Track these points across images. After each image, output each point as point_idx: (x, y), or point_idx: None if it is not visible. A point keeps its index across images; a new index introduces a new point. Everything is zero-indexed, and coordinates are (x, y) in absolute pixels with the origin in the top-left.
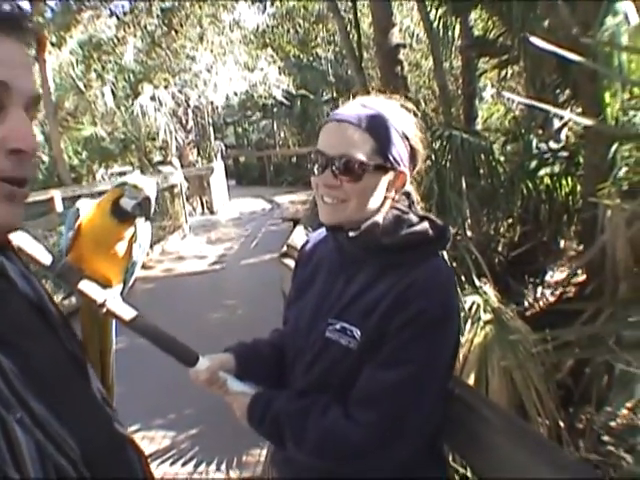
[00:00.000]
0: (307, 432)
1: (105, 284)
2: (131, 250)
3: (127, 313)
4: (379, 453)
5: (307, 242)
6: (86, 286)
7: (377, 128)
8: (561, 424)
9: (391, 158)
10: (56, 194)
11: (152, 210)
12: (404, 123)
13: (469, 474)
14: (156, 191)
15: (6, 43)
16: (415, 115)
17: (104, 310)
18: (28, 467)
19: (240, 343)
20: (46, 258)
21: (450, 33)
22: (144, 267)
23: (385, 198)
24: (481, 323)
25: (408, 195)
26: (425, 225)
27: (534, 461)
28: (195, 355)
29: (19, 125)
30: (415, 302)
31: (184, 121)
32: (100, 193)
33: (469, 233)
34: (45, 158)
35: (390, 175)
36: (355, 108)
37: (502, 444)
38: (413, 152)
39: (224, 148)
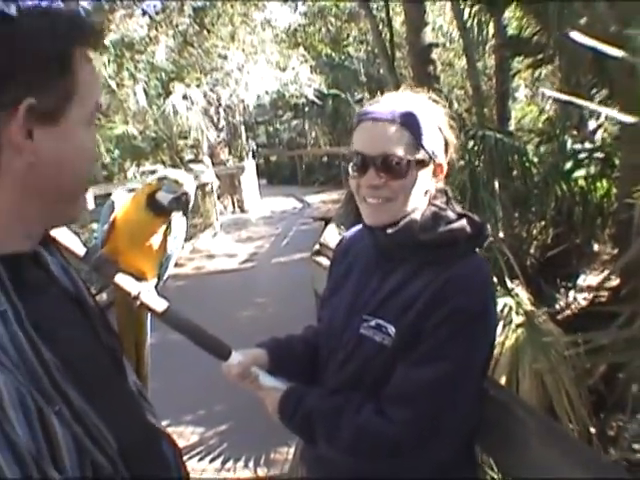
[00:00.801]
0: (340, 430)
1: (140, 277)
2: (166, 244)
3: (161, 306)
4: (414, 452)
5: (343, 239)
6: (121, 279)
7: (412, 122)
8: (592, 430)
9: (430, 150)
10: (88, 191)
11: (190, 206)
12: (436, 115)
13: (496, 477)
14: (195, 188)
15: (92, 63)
16: (443, 106)
17: (138, 303)
18: (65, 460)
19: (273, 338)
20: (82, 251)
21: (484, 32)
22: (175, 265)
23: (426, 192)
24: (513, 326)
25: (445, 192)
26: (463, 222)
27: (569, 464)
28: (228, 349)
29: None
30: (453, 299)
31: (215, 120)
32: (131, 191)
33: (501, 234)
34: None
35: (429, 168)
36: (387, 104)
37: (537, 446)
38: (446, 143)
39: (255, 147)
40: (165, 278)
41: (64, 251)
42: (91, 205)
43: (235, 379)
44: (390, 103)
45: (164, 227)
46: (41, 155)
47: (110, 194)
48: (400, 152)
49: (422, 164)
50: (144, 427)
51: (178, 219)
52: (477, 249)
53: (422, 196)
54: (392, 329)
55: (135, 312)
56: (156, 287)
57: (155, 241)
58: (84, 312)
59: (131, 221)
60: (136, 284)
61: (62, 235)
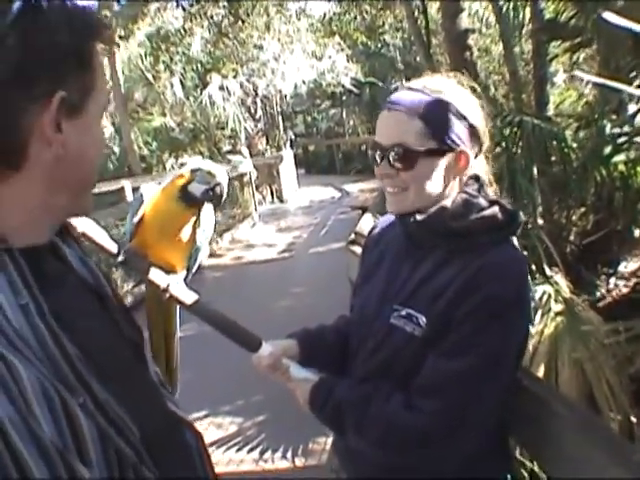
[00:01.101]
0: (368, 420)
1: (169, 270)
2: (195, 236)
3: (190, 298)
4: (443, 443)
5: (374, 228)
6: (150, 271)
7: (426, 111)
8: (633, 419)
9: (446, 140)
10: (126, 184)
11: (224, 197)
12: (459, 101)
13: (536, 469)
14: (228, 179)
15: (102, 58)
16: (474, 90)
17: (167, 295)
18: (90, 451)
19: (304, 329)
20: (110, 244)
21: (520, 16)
22: (214, 255)
23: (449, 181)
24: (552, 314)
25: (477, 178)
26: (495, 209)
27: (605, 459)
28: (258, 340)
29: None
30: (485, 287)
31: (253, 110)
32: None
33: (540, 221)
34: (116, 149)
35: (449, 157)
36: (404, 93)
37: (572, 440)
38: (474, 130)
39: (293, 137)
40: (194, 270)
41: (93, 245)
42: (130, 197)
43: (265, 371)
44: (407, 91)
45: (194, 219)
46: (68, 147)
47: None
48: (409, 142)
49: (438, 154)
50: (166, 416)
51: (208, 211)
52: (511, 237)
53: (441, 185)
54: (423, 319)
55: (164, 304)
56: (185, 279)
57: (184, 233)
58: (103, 303)
59: (161, 213)
60: (165, 277)
61: (90, 228)
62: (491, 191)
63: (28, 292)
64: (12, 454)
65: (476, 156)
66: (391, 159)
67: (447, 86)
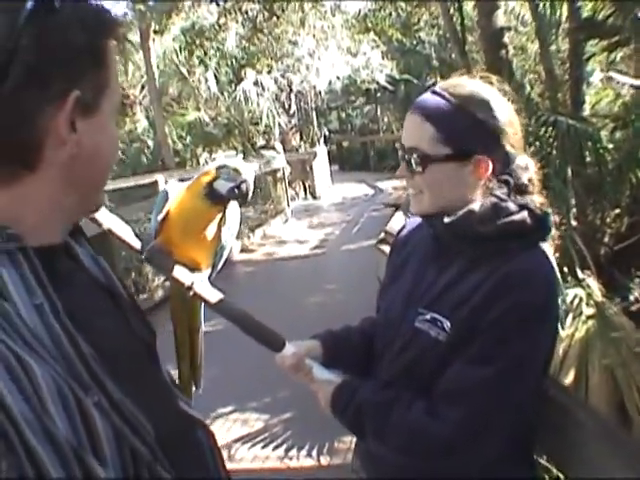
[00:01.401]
0: (391, 426)
1: (194, 267)
2: (220, 234)
3: (214, 296)
4: (466, 451)
5: (403, 228)
6: (174, 269)
7: (440, 116)
8: None
9: (461, 146)
10: (160, 178)
11: (249, 195)
12: (481, 106)
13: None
14: (254, 177)
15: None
16: (505, 93)
17: (191, 293)
18: (105, 451)
19: (328, 330)
20: (135, 241)
21: (557, 14)
22: (245, 250)
23: (470, 187)
24: (583, 317)
25: (507, 182)
26: (524, 214)
27: (630, 473)
28: (282, 340)
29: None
30: (512, 294)
31: (287, 106)
32: (183, 181)
33: (574, 223)
34: (150, 143)
35: (466, 164)
36: (426, 95)
37: (597, 451)
38: (495, 136)
39: (327, 133)
40: (219, 268)
41: (118, 241)
42: None
43: (288, 371)
44: (428, 94)
45: (219, 217)
46: (82, 146)
47: (182, 181)
48: (422, 147)
49: (452, 160)
50: (179, 416)
51: (233, 209)
52: (540, 242)
53: (461, 191)
54: (448, 324)
55: (189, 301)
56: (210, 277)
57: (210, 231)
58: (116, 302)
59: (186, 210)
60: (189, 274)
61: (116, 225)
62: (537, 198)
63: (42, 292)
64: (27, 452)
65: (505, 160)
66: (407, 162)
67: (470, 90)
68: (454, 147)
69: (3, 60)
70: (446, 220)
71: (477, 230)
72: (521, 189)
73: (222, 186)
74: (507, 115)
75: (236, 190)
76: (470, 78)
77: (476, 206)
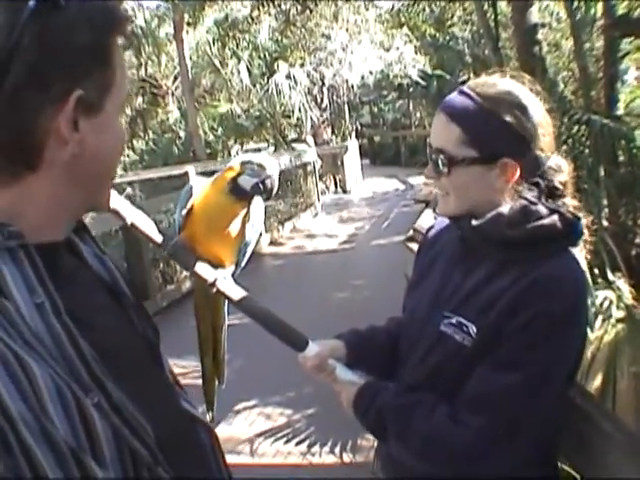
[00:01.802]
0: (412, 432)
1: (217, 264)
2: (244, 230)
3: (237, 294)
4: (487, 459)
5: (431, 228)
6: (197, 265)
7: (466, 117)
8: None
9: (487, 149)
10: (190, 169)
11: (274, 191)
12: (508, 108)
13: None
14: (279, 172)
15: (122, 52)
16: (537, 93)
17: (214, 290)
18: (104, 452)
19: (353, 330)
20: (159, 236)
21: (592, 11)
22: (274, 243)
23: (497, 190)
24: (612, 320)
25: (537, 184)
26: (554, 218)
27: None
28: (305, 340)
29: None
30: (540, 301)
31: (319, 99)
32: (208, 175)
33: (605, 223)
34: (181, 134)
35: (492, 167)
36: (454, 95)
37: (622, 462)
38: (524, 140)
39: (359, 127)
40: (243, 265)
41: (141, 236)
42: None
43: (311, 371)
44: (456, 93)
45: (243, 213)
46: (85, 146)
47: (213, 172)
48: (447, 148)
49: (478, 163)
50: (180, 416)
51: (258, 205)
52: (571, 247)
53: (487, 194)
54: (473, 329)
55: (212, 298)
56: (233, 274)
57: (234, 227)
58: (119, 301)
59: (210, 206)
60: (212, 271)
61: (139, 219)
62: (570, 200)
63: (44, 290)
64: (25, 452)
65: (534, 164)
66: (433, 163)
67: (499, 91)
68: (480, 150)
69: (4, 59)
70: (474, 223)
71: (506, 234)
72: (553, 192)
73: (246, 182)
74: (537, 117)
75: (260, 186)
76: (501, 77)
77: (505, 209)
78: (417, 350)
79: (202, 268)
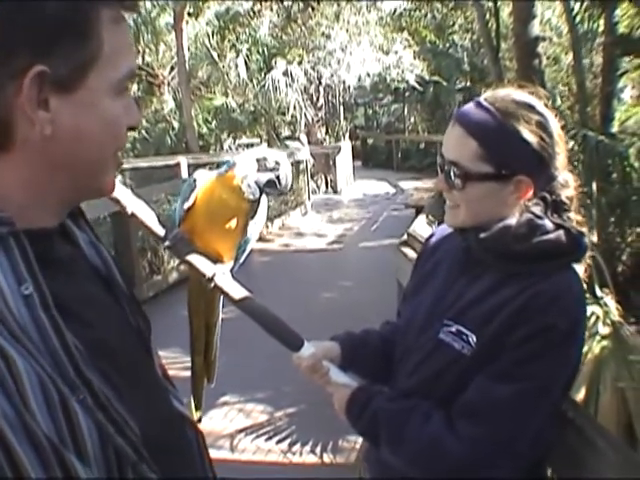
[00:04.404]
0: (405, 438)
1: (216, 259)
2: (246, 226)
3: (235, 290)
4: (479, 470)
5: (432, 235)
6: (196, 259)
7: (486, 133)
8: None
9: (504, 166)
10: (182, 160)
11: (288, 188)
12: (529, 127)
13: None
14: (291, 170)
15: (124, 26)
16: (559, 113)
17: (212, 285)
18: (88, 449)
19: (347, 333)
20: (158, 228)
21: (593, 28)
22: (263, 240)
23: (508, 206)
24: (598, 337)
25: (544, 199)
26: (559, 233)
27: None
28: (300, 340)
29: (133, 104)
30: (541, 315)
31: (315, 98)
32: (214, 168)
33: (594, 238)
34: (175, 124)
35: (507, 184)
36: (471, 108)
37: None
38: (541, 158)
39: (353, 128)
40: (241, 262)
41: (141, 227)
42: (184, 174)
43: (305, 372)
44: (474, 105)
45: (248, 209)
46: (60, 126)
47: (205, 165)
48: (463, 162)
49: (491, 179)
50: (168, 413)
51: (262, 202)
52: (574, 263)
53: (498, 210)
54: (473, 338)
55: (208, 294)
56: (232, 270)
57: (236, 223)
58: (113, 291)
59: (216, 200)
60: (211, 266)
61: (140, 210)
62: (574, 215)
63: (33, 281)
64: (5, 451)
65: (547, 181)
66: (446, 175)
67: (519, 107)
68: (496, 166)
69: None
70: (482, 236)
71: (511, 247)
72: (559, 206)
73: (261, 178)
74: (555, 136)
75: (276, 183)
76: (519, 91)
77: (511, 222)
78: (413, 356)
79: (201, 262)
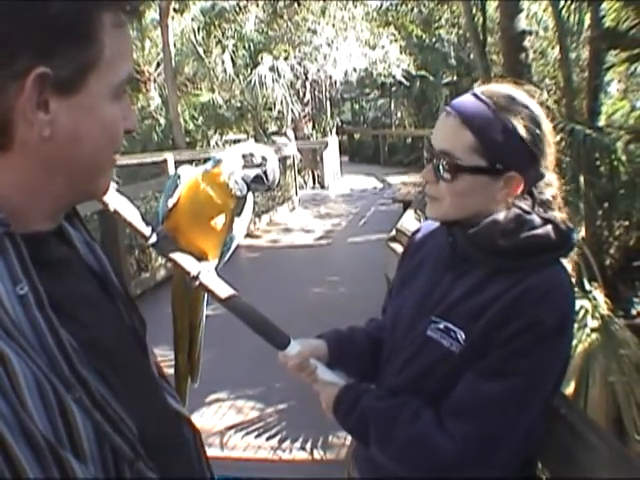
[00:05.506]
0: (394, 436)
1: (200, 257)
2: (232, 223)
3: (220, 288)
4: (469, 468)
5: (418, 230)
6: (180, 257)
7: (481, 125)
8: None
9: (497, 161)
10: (169, 157)
11: (275, 184)
12: (525, 124)
13: None
14: (278, 165)
15: (125, 31)
16: (546, 107)
17: (197, 283)
18: (85, 448)
19: (334, 330)
20: (142, 225)
21: (579, 22)
22: (250, 236)
23: (496, 201)
24: (587, 330)
25: (531, 194)
26: (547, 229)
27: None
28: (287, 338)
29: (129, 108)
30: (529, 311)
31: (301, 94)
32: (200, 163)
33: (582, 233)
34: (162, 121)
35: (498, 179)
36: (466, 98)
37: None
38: (534, 156)
39: (340, 123)
40: (226, 259)
41: (125, 224)
42: (171, 170)
43: (292, 370)
44: (470, 97)
45: (233, 206)
46: (59, 128)
47: (192, 161)
48: (456, 154)
49: (483, 173)
50: (165, 411)
51: (249, 199)
52: (562, 258)
53: (485, 204)
54: (462, 335)
55: (192, 293)
56: (216, 268)
57: (221, 220)
58: (108, 291)
59: (201, 197)
60: (196, 264)
61: (123, 207)
62: (559, 214)
63: (28, 281)
64: (3, 450)
65: (536, 179)
66: (435, 166)
67: (517, 103)
68: (490, 160)
69: None
70: (470, 231)
71: (499, 243)
72: (544, 204)
73: (248, 174)
74: (548, 136)
75: (264, 178)
76: (515, 87)
77: (500, 217)
78: (401, 354)
79: (185, 260)
